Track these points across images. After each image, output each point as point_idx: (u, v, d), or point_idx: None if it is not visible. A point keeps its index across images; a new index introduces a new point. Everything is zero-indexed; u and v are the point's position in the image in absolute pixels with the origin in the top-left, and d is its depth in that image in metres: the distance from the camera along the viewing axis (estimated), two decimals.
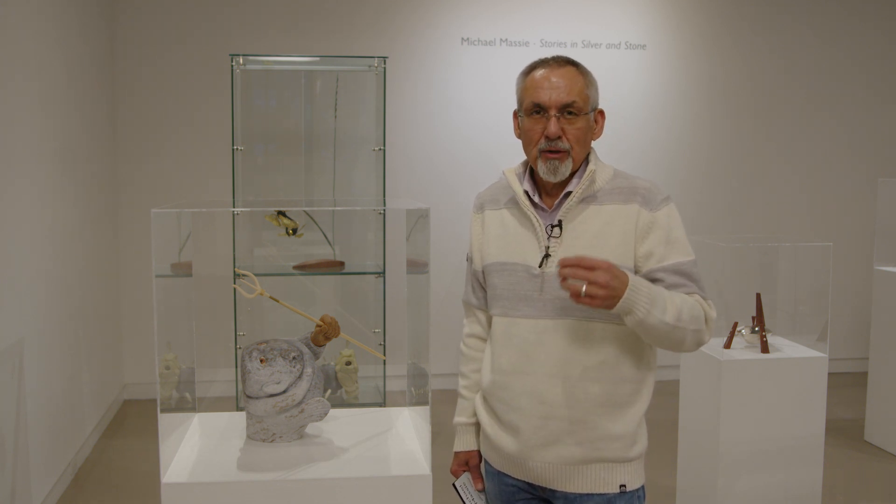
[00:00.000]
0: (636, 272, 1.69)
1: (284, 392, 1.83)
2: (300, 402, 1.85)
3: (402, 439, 1.96)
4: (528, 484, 1.78)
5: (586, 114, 1.71)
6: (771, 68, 5.54)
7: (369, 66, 4.27)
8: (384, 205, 3.83)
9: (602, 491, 1.70)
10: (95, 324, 4.38)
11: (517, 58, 5.06)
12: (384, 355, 4.32)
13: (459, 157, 5.25)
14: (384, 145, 4.18)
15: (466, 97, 5.23)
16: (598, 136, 1.77)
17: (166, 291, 1.86)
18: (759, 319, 3.18)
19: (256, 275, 2.15)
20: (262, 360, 1.82)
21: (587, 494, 1.71)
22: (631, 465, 1.72)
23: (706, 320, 1.67)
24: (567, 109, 1.68)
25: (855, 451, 4.23)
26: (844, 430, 4.50)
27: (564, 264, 1.54)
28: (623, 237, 1.67)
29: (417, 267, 2.03)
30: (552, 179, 1.71)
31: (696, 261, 1.71)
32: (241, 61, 4.15)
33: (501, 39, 5.24)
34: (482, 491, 1.91)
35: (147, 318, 4.97)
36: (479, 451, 1.91)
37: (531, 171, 1.79)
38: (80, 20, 4.20)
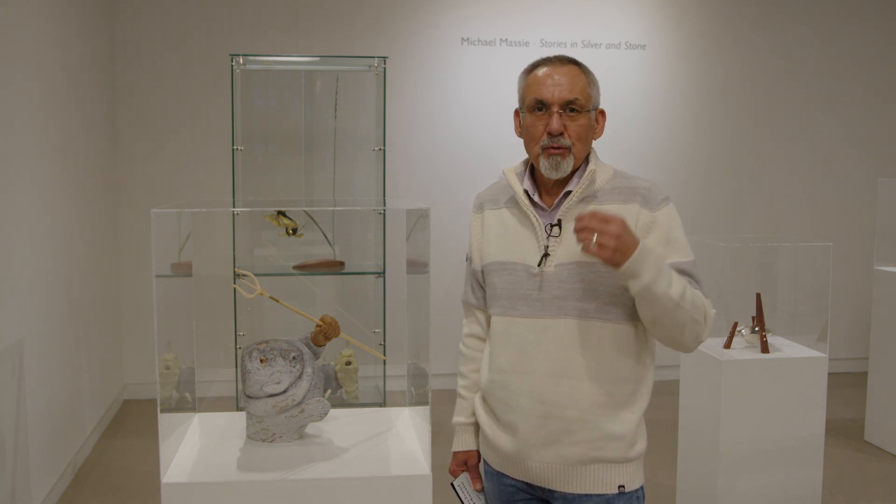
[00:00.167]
0: None
1: (284, 392, 1.83)
2: (300, 402, 1.85)
3: (402, 439, 1.96)
4: (527, 484, 1.78)
5: (588, 112, 1.71)
6: (771, 68, 5.54)
7: (369, 66, 4.27)
8: (384, 205, 3.83)
9: (601, 491, 1.70)
10: (95, 324, 4.38)
11: (517, 58, 5.06)
12: (384, 355, 4.32)
13: (459, 157, 5.25)
14: (384, 145, 4.18)
15: (466, 97, 5.23)
16: (598, 136, 1.78)
17: (166, 291, 1.86)
18: (759, 319, 3.18)
19: (256, 275, 2.15)
20: (262, 360, 1.82)
21: (586, 495, 1.71)
22: (630, 466, 1.72)
23: (705, 317, 1.67)
24: (569, 106, 1.69)
25: (855, 451, 4.23)
26: (844, 430, 4.50)
27: (580, 218, 1.55)
28: None
29: (417, 267, 2.03)
30: (553, 176, 1.71)
31: (695, 261, 1.72)
32: (241, 61, 4.15)
33: (501, 39, 5.24)
34: (481, 491, 1.91)
35: (147, 318, 4.97)
36: (477, 451, 1.91)
37: (531, 171, 1.79)
38: (80, 20, 4.20)
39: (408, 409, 2.17)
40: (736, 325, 3.23)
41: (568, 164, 1.70)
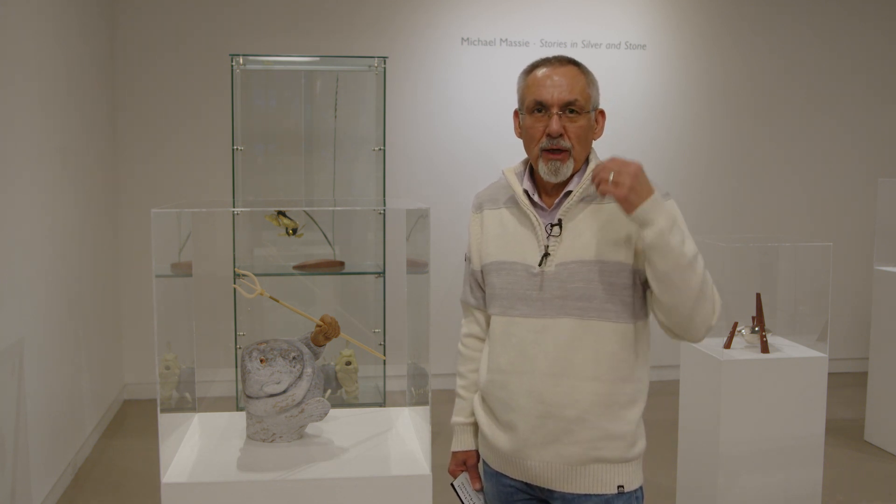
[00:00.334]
0: (638, 270, 1.68)
1: (284, 392, 1.83)
2: (300, 402, 1.85)
3: (402, 439, 1.96)
4: (526, 484, 1.78)
5: (587, 113, 1.71)
6: (771, 68, 5.54)
7: (369, 66, 4.27)
8: (384, 205, 3.83)
9: (600, 491, 1.70)
10: (95, 324, 4.38)
11: (517, 58, 5.05)
12: (384, 355, 4.32)
13: (459, 157, 5.25)
14: (384, 145, 4.18)
15: (466, 97, 5.23)
16: (598, 136, 1.77)
17: (166, 291, 1.86)
18: (759, 319, 3.18)
19: (256, 275, 2.15)
20: (262, 360, 1.82)
21: (585, 495, 1.71)
22: (629, 466, 1.72)
23: (715, 303, 1.64)
24: (569, 107, 1.69)
25: (855, 451, 4.23)
26: (844, 430, 4.50)
27: (599, 164, 1.61)
28: (623, 234, 1.67)
29: (417, 267, 2.03)
30: (553, 180, 1.71)
31: (699, 254, 1.70)
32: (241, 61, 4.15)
33: (501, 39, 5.24)
34: (480, 491, 1.91)
35: (147, 318, 4.97)
36: (476, 451, 1.91)
37: (531, 171, 1.79)
38: (80, 20, 4.20)
39: (408, 409, 2.17)
40: (736, 325, 3.23)
41: (567, 169, 1.70)
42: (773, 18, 5.51)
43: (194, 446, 1.91)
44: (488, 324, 1.84)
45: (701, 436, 3.15)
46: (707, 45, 5.45)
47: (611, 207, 1.70)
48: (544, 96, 1.69)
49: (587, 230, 1.69)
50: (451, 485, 1.91)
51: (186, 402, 2.94)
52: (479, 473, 1.91)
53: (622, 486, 1.71)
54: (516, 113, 1.80)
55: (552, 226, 1.71)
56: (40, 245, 3.47)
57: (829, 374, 3.18)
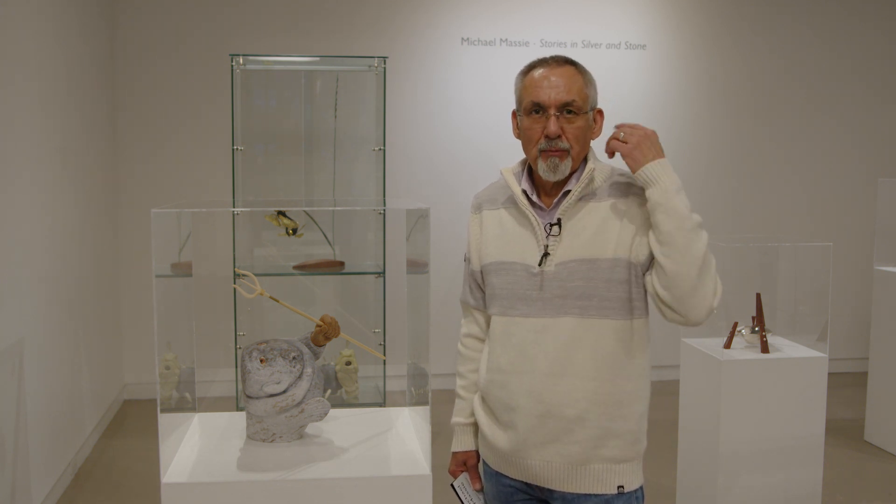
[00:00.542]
0: (634, 263, 1.68)
1: (284, 392, 1.83)
2: (300, 402, 1.85)
3: (402, 439, 1.96)
4: (526, 484, 1.78)
5: (585, 113, 1.71)
6: (771, 68, 5.54)
7: (369, 66, 4.27)
8: (384, 205, 3.83)
9: (600, 491, 1.70)
10: (95, 324, 4.38)
11: (517, 58, 5.05)
12: (384, 355, 4.32)
13: (459, 157, 5.25)
14: (384, 145, 4.18)
15: (466, 97, 5.23)
16: (597, 136, 1.77)
17: (166, 291, 1.86)
18: (759, 319, 3.18)
19: (256, 275, 2.15)
20: (262, 360, 1.82)
21: (585, 495, 1.71)
22: (629, 466, 1.72)
23: (716, 284, 1.62)
24: (566, 108, 1.68)
25: (855, 451, 4.23)
26: (844, 430, 4.50)
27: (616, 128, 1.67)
28: (623, 231, 1.67)
29: (417, 267, 2.03)
30: (552, 178, 1.71)
31: (704, 228, 1.69)
32: (241, 61, 4.15)
33: (501, 39, 5.24)
34: (480, 491, 1.91)
35: (147, 318, 4.97)
36: (476, 452, 1.91)
37: (529, 171, 1.79)
38: (80, 20, 4.20)
39: (408, 409, 2.17)
40: (736, 325, 3.22)
41: (566, 167, 1.70)
42: (773, 18, 5.51)
43: (194, 446, 1.91)
44: (488, 324, 1.84)
45: (701, 436, 3.15)
46: (707, 45, 5.45)
47: (609, 204, 1.70)
48: (541, 97, 1.69)
49: (586, 229, 1.69)
50: (452, 485, 1.91)
51: (186, 402, 2.94)
52: (479, 474, 1.91)
53: (622, 486, 1.71)
54: (514, 114, 1.79)
55: (551, 225, 1.71)
56: (40, 245, 3.47)
57: (829, 374, 3.18)
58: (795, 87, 5.58)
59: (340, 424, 2.05)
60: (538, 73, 1.72)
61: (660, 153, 1.62)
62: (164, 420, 1.78)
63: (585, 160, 1.75)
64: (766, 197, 5.62)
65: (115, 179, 4.95)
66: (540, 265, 1.71)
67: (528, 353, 1.71)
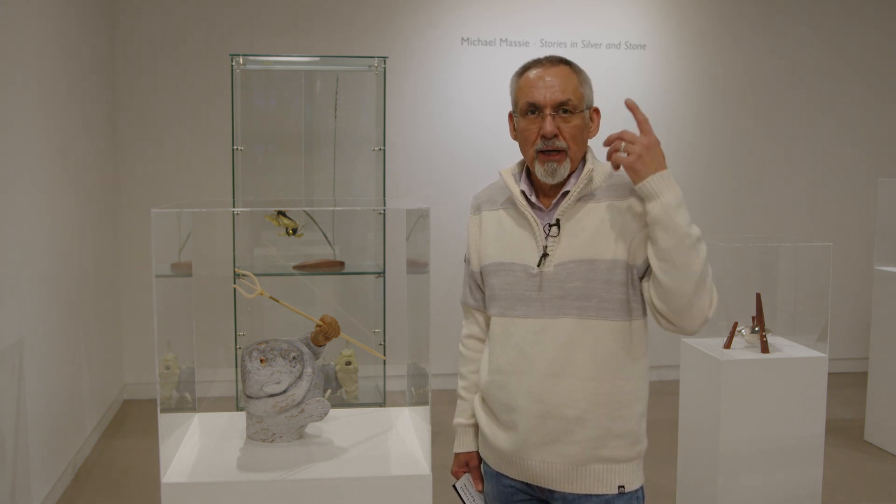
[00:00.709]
0: (632, 266, 1.68)
1: (284, 392, 1.83)
2: (300, 402, 1.85)
3: (402, 439, 1.96)
4: (526, 485, 1.78)
5: (581, 112, 1.71)
6: (771, 68, 5.54)
7: (369, 66, 4.27)
8: (384, 205, 3.84)
9: (600, 492, 1.70)
10: (95, 324, 4.38)
11: (517, 58, 5.01)
12: (384, 355, 4.32)
13: (459, 157, 5.25)
14: (384, 145, 4.18)
15: (466, 97, 5.23)
16: (594, 135, 1.78)
17: (166, 291, 1.86)
18: (759, 319, 3.18)
19: (256, 275, 2.15)
20: (262, 360, 1.82)
21: (585, 495, 1.71)
22: (630, 466, 1.72)
23: (713, 296, 1.63)
24: (562, 108, 1.68)
25: (855, 451, 4.23)
26: (844, 430, 4.50)
27: (613, 134, 1.63)
28: (621, 232, 1.67)
29: (417, 267, 2.03)
30: (550, 181, 1.71)
31: (703, 241, 1.69)
32: (241, 61, 4.15)
33: (501, 39, 5.24)
34: (482, 492, 1.91)
35: (147, 318, 4.97)
36: (478, 452, 1.91)
37: (528, 171, 1.79)
38: (80, 20, 4.20)
39: (408, 409, 2.17)
40: (736, 325, 3.22)
41: (564, 169, 1.70)
42: (773, 18, 5.51)
43: (194, 446, 1.91)
44: (488, 325, 1.84)
45: (701, 436, 3.15)
46: (707, 45, 5.45)
47: (607, 205, 1.70)
48: (537, 98, 1.69)
49: (585, 230, 1.69)
50: (454, 486, 1.91)
51: (186, 402, 2.94)
52: (481, 475, 1.91)
53: (623, 487, 1.71)
54: (511, 115, 1.79)
55: (550, 226, 1.71)
56: (40, 245, 3.47)
57: (829, 374, 3.18)
58: (795, 88, 5.58)
59: (340, 424, 2.04)
60: (533, 73, 1.72)
61: (662, 164, 1.59)
62: (164, 420, 1.78)
63: (584, 160, 1.75)
64: (766, 197, 5.62)
65: (115, 179, 4.95)
66: (539, 266, 1.71)
67: (528, 353, 1.71)
